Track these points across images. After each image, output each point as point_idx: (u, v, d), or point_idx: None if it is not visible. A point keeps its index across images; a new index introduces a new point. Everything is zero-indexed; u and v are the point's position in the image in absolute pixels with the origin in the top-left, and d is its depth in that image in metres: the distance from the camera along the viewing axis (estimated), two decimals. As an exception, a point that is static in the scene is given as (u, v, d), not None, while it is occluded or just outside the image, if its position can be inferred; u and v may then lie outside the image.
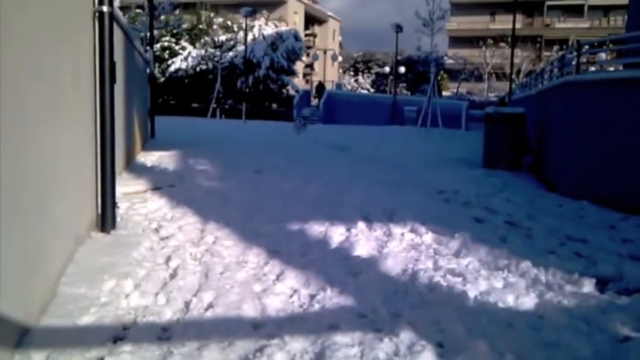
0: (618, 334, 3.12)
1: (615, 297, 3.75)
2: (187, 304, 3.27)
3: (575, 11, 56.06)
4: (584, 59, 9.92)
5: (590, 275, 4.07)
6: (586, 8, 55.64)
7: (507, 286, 3.75)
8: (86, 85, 4.51)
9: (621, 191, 7.04)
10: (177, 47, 38.45)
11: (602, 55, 17.79)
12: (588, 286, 3.85)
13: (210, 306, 3.25)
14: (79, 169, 4.32)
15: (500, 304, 3.42)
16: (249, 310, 3.20)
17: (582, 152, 8.01)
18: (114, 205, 4.86)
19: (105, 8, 4.59)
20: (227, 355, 2.67)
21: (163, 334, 2.91)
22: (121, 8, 27.63)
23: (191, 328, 2.96)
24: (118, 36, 6.85)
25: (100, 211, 4.79)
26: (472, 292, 3.57)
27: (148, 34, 15.84)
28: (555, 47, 48.19)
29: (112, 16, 4.75)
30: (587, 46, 9.44)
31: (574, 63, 8.84)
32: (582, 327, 3.16)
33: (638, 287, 3.95)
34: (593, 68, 11.93)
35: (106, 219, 4.75)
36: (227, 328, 2.95)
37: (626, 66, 9.79)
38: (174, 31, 38.53)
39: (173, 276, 3.74)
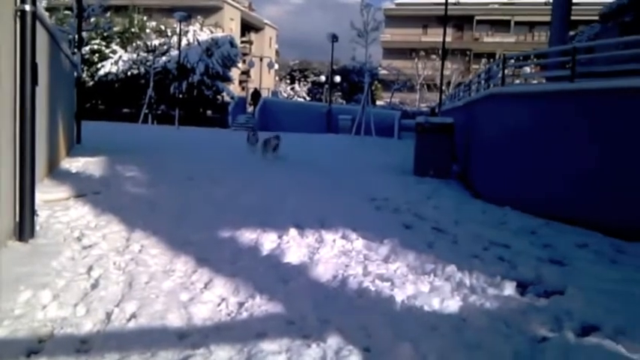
0: (536, 335, 3.25)
1: (534, 299, 3.91)
2: (109, 315, 3.15)
3: (503, 26, 58.67)
4: (509, 72, 10.39)
5: (511, 279, 4.23)
6: (512, 24, 58.36)
7: (433, 290, 3.84)
8: (6, 86, 4.27)
9: (539, 198, 7.40)
10: (107, 50, 37.22)
11: (527, 69, 18.75)
12: (509, 289, 4.01)
13: (133, 316, 3.14)
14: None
15: (426, 308, 3.50)
16: (175, 320, 3.12)
17: (503, 161, 8.38)
18: (33, 212, 4.61)
19: (27, 7, 4.37)
20: (149, 366, 2.58)
21: (82, 346, 2.78)
22: (49, 9, 26.56)
23: (112, 339, 2.85)
24: (42, 37, 6.56)
25: (17, 219, 4.53)
26: (399, 297, 3.63)
27: (77, 36, 15.22)
28: (483, 60, 50.12)
29: (35, 16, 4.53)
30: (512, 60, 9.89)
31: (500, 75, 9.22)
32: (503, 328, 3.28)
33: (556, 290, 4.14)
34: (518, 81, 12.48)
35: (24, 227, 4.50)
36: (150, 339, 2.85)
37: (549, 79, 10.32)
38: (105, 34, 37.27)
39: (95, 286, 3.59)
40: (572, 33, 15.33)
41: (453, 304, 3.59)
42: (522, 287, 4.17)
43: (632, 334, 3.26)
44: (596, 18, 15.81)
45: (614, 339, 3.17)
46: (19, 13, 4.38)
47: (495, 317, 3.42)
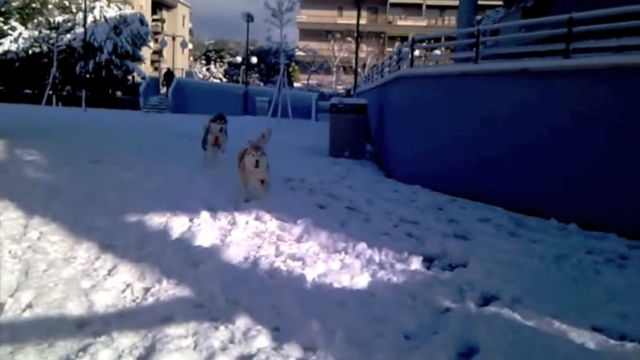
0: (440, 306, 3.39)
1: (439, 272, 4.07)
2: (1, 306, 2.96)
3: (415, 9, 60.26)
4: (420, 54, 10.65)
5: (418, 254, 4.38)
6: (424, 7, 60.07)
7: (344, 268, 3.90)
8: None
9: (443, 175, 7.71)
10: (5, 27, 34.68)
11: (437, 52, 19.34)
12: (416, 264, 4.15)
13: (28, 306, 2.97)
14: None
15: (336, 285, 3.55)
16: (75, 308, 2.97)
17: (412, 140, 8.64)
18: None
19: None
20: (45, 357, 2.47)
21: (-30, 341, 2.59)
22: None
23: (5, 331, 2.68)
24: None
25: None
26: (310, 275, 3.66)
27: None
28: (397, 43, 51.34)
29: None
30: (422, 43, 10.13)
31: (409, 57, 9.44)
32: (409, 301, 3.39)
33: (459, 263, 4.33)
34: (431, 63, 12.85)
35: None
36: (47, 329, 2.71)
37: (457, 61, 10.71)
38: (2, 9, 34.67)
39: (-14, 277, 3.35)
40: (479, 17, 15.95)
41: (362, 280, 3.67)
42: (429, 262, 4.33)
43: (527, 302, 3.47)
44: (501, 3, 16.55)
45: (512, 307, 3.35)
46: None
47: (402, 291, 3.52)
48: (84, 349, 2.51)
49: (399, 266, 4.05)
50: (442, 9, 58.41)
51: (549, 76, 6.36)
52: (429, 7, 59.98)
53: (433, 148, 8.08)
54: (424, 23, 57.71)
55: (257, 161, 5.81)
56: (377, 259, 4.18)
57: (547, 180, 6.32)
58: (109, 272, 3.58)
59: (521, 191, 6.59)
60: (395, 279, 3.74)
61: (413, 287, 3.61)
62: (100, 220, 4.82)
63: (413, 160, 8.57)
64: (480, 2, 15.21)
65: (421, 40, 9.87)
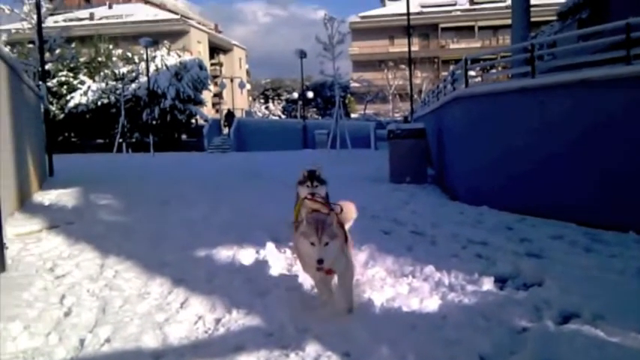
0: (516, 326, 3.25)
1: (513, 292, 3.92)
2: (82, 341, 3.08)
3: (467, 32, 59.73)
4: (474, 73, 10.53)
5: (489, 274, 4.24)
6: (477, 29, 59.45)
7: (412, 291, 3.83)
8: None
9: (510, 193, 7.48)
10: (75, 82, 36.90)
11: (493, 71, 19.06)
12: (488, 285, 4.01)
13: (107, 341, 3.07)
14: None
15: (405, 309, 3.48)
16: (150, 341, 3.05)
17: (474, 161, 8.46)
18: (2, 246, 4.51)
19: (-22, 36, 4.31)
20: (125, 389, 2.52)
21: (54, 375, 2.70)
22: (11, 44, 26.27)
23: (86, 366, 2.78)
24: (1, 69, 6.48)
25: (-14, 254, 4.43)
26: (378, 300, 3.61)
27: (40, 69, 15.04)
28: (451, 67, 50.87)
29: (-13, 44, 4.47)
30: (475, 62, 10.03)
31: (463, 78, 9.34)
32: (482, 323, 3.27)
33: (534, 282, 4.16)
34: (478, 79, 12.64)
35: (-7, 262, 4.40)
36: (125, 362, 2.79)
37: (514, 77, 10.49)
38: (72, 65, 36.96)
39: (67, 314, 3.51)
40: (533, 34, 15.66)
41: (431, 303, 3.58)
42: (501, 282, 4.18)
43: (609, 318, 3.28)
44: (555, 17, 16.20)
45: (593, 324, 3.18)
46: (-29, 44, 4.32)
47: (474, 312, 3.41)
48: (161, 380, 2.57)
49: (469, 288, 3.94)
50: (495, 29, 57.54)
51: (612, 85, 6.12)
52: (481, 28, 59.32)
53: (497, 167, 7.89)
54: (478, 45, 56.99)
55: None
56: (446, 281, 4.08)
57: (623, 192, 6.02)
58: (182, 305, 3.67)
59: (595, 205, 6.30)
60: (466, 300, 3.63)
61: (486, 308, 3.49)
62: (171, 256, 4.98)
63: (477, 181, 8.38)
64: (533, 19, 14.94)
65: (475, 60, 9.77)
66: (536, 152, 7.14)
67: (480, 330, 3.14)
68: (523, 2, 13.43)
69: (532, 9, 14.18)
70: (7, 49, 7.44)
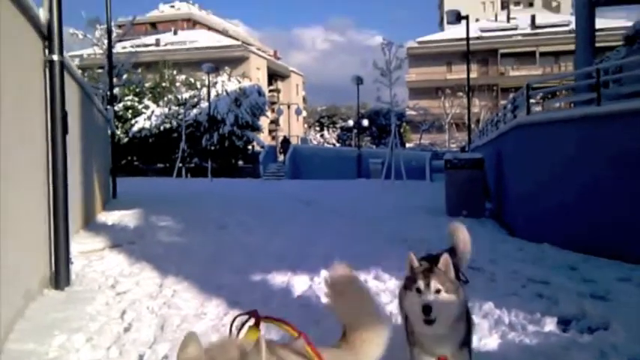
0: (581, 371, 3.10)
1: (577, 335, 3.75)
2: (141, 357, 3.16)
3: (528, 58, 58.04)
4: (534, 100, 10.25)
5: (552, 315, 4.07)
6: (537, 55, 57.70)
7: (470, 328, 3.72)
8: (37, 137, 4.42)
9: (574, 231, 7.16)
10: (140, 106, 38.40)
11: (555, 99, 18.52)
12: (550, 325, 3.85)
13: (165, 357, 3.14)
14: (30, 226, 4.19)
15: (464, 346, 3.38)
16: (206, 364, 3.08)
17: (538, 194, 8.18)
18: (68, 261, 4.71)
19: (55, 57, 4.57)
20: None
21: (114, 389, 2.77)
22: (81, 68, 27.69)
23: (145, 382, 2.83)
24: (73, 88, 6.80)
25: (53, 268, 4.63)
26: (435, 335, 3.52)
27: (108, 92, 15.79)
28: (511, 95, 49.60)
29: (63, 65, 4.72)
30: (538, 90, 9.79)
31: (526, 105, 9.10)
32: (545, 365, 3.14)
33: (599, 325, 3.96)
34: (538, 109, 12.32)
35: (60, 276, 4.60)
36: (182, 382, 2.82)
37: (577, 105, 10.15)
38: (137, 90, 38.54)
39: (128, 329, 3.62)
40: (598, 60, 15.17)
41: (491, 342, 3.47)
42: (564, 323, 4.00)
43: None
44: (621, 43, 15.65)
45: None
46: (47, 64, 4.58)
47: (536, 353, 3.29)
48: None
49: (531, 328, 3.79)
50: (557, 55, 55.51)
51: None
52: (542, 54, 57.41)
53: (560, 202, 7.61)
54: (539, 72, 55.01)
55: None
56: (506, 319, 3.95)
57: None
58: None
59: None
60: (527, 341, 3.50)
61: (548, 350, 3.35)
62: (227, 279, 5.06)
63: (538, 216, 8.11)
64: (598, 44, 14.46)
65: (537, 87, 9.53)
66: (604, 188, 6.84)
67: (544, 374, 3.01)
68: (587, 26, 13.06)
69: (597, 33, 13.74)
70: (79, 72, 7.84)
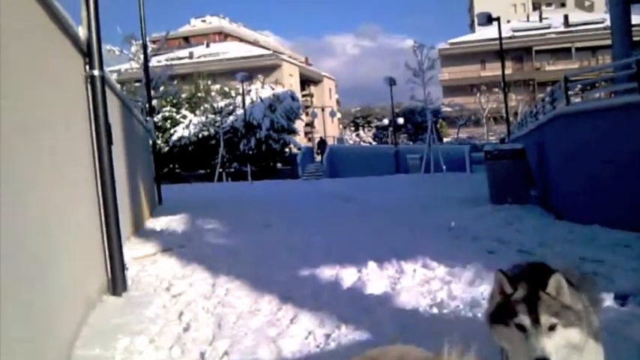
0: (643, 342, 3.05)
1: (636, 309, 3.68)
2: (203, 354, 3.25)
3: (564, 53, 56.58)
4: (572, 93, 10.09)
5: (608, 291, 3.99)
6: (573, 50, 56.12)
7: (525, 309, 3.68)
8: (83, 150, 4.58)
9: (624, 210, 6.99)
10: (178, 116, 39.16)
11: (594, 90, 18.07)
12: (608, 301, 3.77)
13: (225, 354, 3.22)
14: (85, 235, 4.35)
15: (519, 326, 3.36)
16: (265, 354, 3.16)
17: (582, 178, 8.03)
18: (123, 268, 4.86)
19: (96, 72, 4.73)
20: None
21: (180, 384, 2.87)
22: (120, 82, 28.49)
23: (206, 375, 2.92)
24: (114, 101, 7.00)
25: (110, 275, 4.79)
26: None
27: (147, 104, 16.19)
28: (548, 89, 48.23)
29: (104, 80, 4.88)
30: (570, 81, 9.65)
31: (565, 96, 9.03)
32: (606, 338, 3.06)
33: (658, 300, 3.88)
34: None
35: (117, 282, 4.74)
36: (246, 373, 2.91)
37: (617, 94, 9.95)
38: (174, 101, 39.35)
39: (186, 329, 3.72)
40: (636, 53, 14.73)
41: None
42: (622, 298, 3.93)
43: None
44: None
45: None
46: (89, 79, 4.74)
47: (596, 329, 3.23)
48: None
49: (587, 305, 3.73)
50: (594, 50, 53.63)
51: None
52: (578, 49, 55.77)
53: (608, 183, 7.43)
54: (575, 66, 52.99)
55: None
56: (560, 299, 3.89)
57: None
58: (291, 321, 3.77)
59: None
60: (585, 318, 3.44)
61: (608, 324, 3.26)
62: (277, 275, 5.13)
63: (585, 199, 7.94)
64: (635, 38, 14.02)
65: (574, 80, 9.42)
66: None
67: (605, 345, 2.96)
68: (623, 23, 12.74)
69: (633, 28, 13.39)
70: (118, 86, 8.08)
